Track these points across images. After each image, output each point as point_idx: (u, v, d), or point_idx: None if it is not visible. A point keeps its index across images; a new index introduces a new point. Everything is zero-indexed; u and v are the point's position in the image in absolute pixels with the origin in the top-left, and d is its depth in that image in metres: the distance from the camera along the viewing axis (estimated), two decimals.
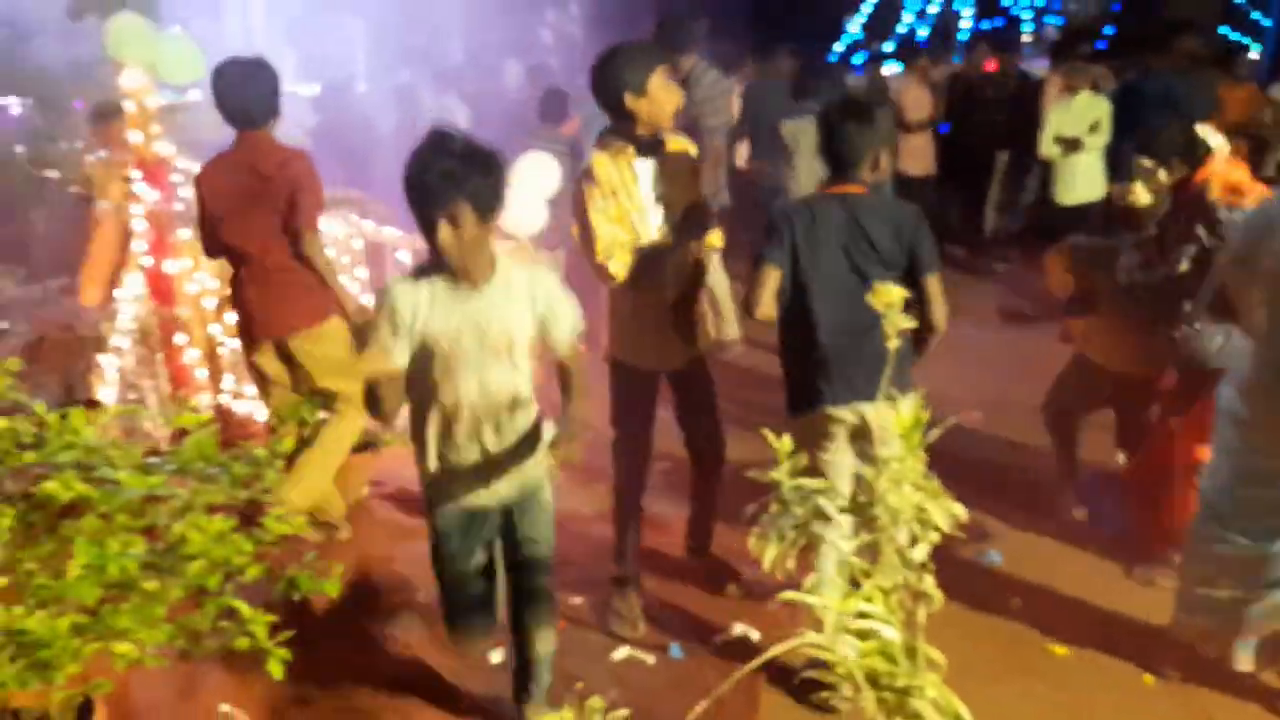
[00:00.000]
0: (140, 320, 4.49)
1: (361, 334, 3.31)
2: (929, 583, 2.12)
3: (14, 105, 9.18)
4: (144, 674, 2.12)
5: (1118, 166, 6.35)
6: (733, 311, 3.24)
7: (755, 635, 3.29)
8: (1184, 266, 3.48)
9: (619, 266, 3.02)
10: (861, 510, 2.13)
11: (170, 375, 4.60)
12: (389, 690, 3.03)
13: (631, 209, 3.04)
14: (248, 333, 3.75)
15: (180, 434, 3.99)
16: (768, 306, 2.92)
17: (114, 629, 1.81)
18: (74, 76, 7.08)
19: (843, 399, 2.93)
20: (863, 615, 1.97)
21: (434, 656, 3.21)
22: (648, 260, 3.05)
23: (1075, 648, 3.25)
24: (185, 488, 1.97)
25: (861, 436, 3.00)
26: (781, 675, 2.92)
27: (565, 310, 2.51)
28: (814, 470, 2.87)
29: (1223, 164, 3.58)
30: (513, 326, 2.42)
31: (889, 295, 2.22)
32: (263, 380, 3.78)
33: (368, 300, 5.03)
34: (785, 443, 2.29)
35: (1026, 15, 13.91)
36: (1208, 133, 3.62)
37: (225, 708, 2.70)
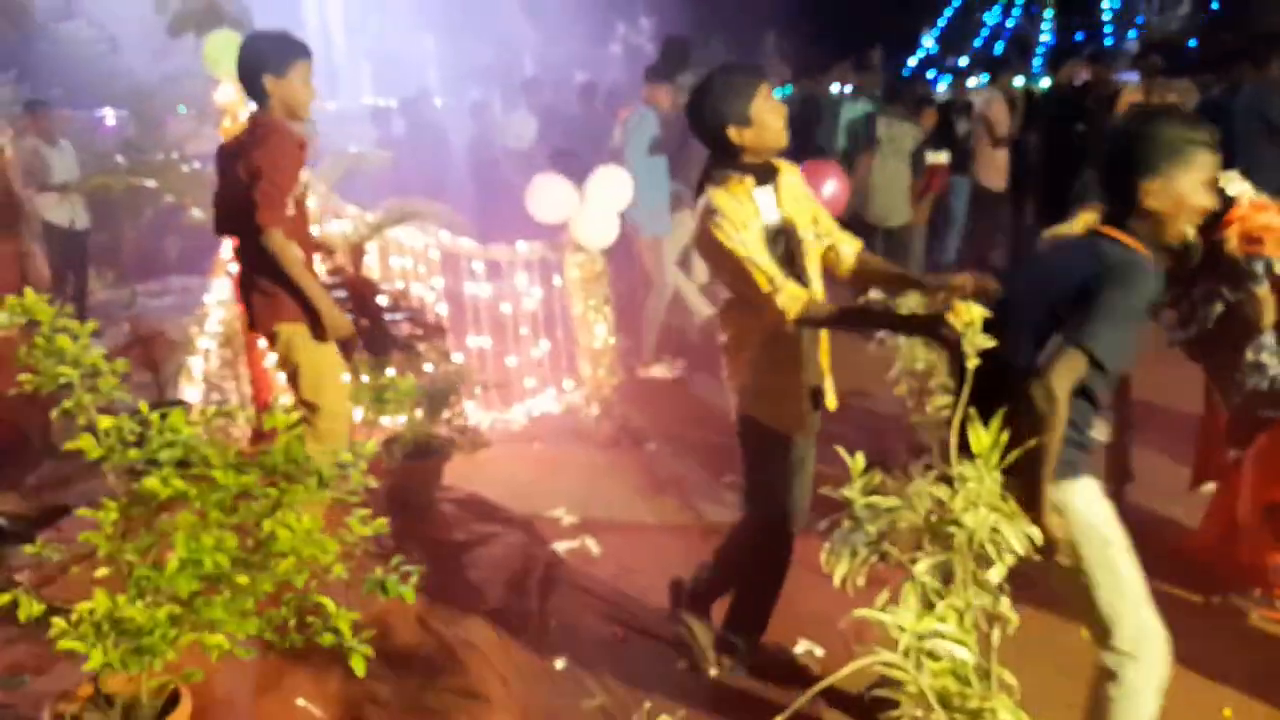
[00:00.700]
0: (225, 324, 4.66)
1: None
2: (1005, 605, 2.09)
3: (109, 116, 9.63)
4: (226, 665, 2.21)
5: None
6: None
7: (820, 652, 3.27)
8: (1210, 325, 3.47)
9: (793, 301, 2.62)
10: (936, 530, 2.11)
11: (251, 378, 4.76)
12: (458, 692, 3.09)
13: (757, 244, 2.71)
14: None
15: (259, 434, 4.15)
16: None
17: (207, 620, 1.89)
18: (167, 89, 7.42)
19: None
20: (936, 635, 1.96)
21: (502, 660, 3.26)
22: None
23: None
24: (275, 487, 2.04)
25: None
26: (846, 695, 2.90)
27: None
28: None
29: (1247, 210, 3.47)
30: None
31: (969, 314, 2.21)
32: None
33: (443, 310, 5.16)
34: (859, 460, 2.29)
35: (1108, 29, 13.60)
36: (1228, 180, 3.50)
37: (302, 702, 2.77)
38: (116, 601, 1.79)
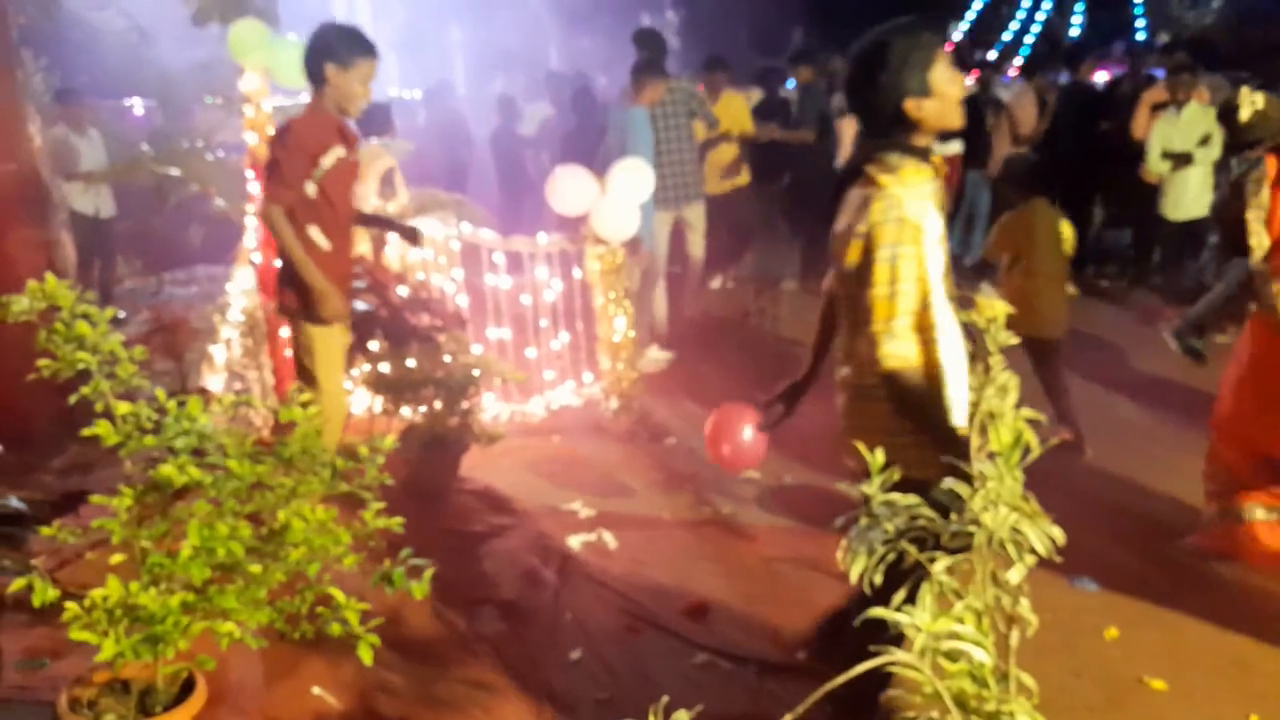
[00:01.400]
0: (248, 313, 4.69)
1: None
2: (1025, 606, 2.05)
3: (137, 105, 9.71)
4: (240, 653, 2.21)
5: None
6: None
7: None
8: None
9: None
10: (955, 529, 2.08)
11: (274, 367, 4.79)
12: (470, 682, 3.09)
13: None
14: None
15: (279, 424, 4.17)
16: None
17: (219, 608, 1.89)
18: (195, 78, 7.46)
19: None
20: (954, 636, 1.92)
21: (514, 651, 3.26)
22: None
23: (1174, 683, 3.10)
24: (290, 477, 2.05)
25: None
26: (859, 694, 2.87)
27: None
28: None
29: None
30: None
31: (992, 309, 2.17)
32: None
33: (464, 301, 5.16)
34: (878, 456, 2.26)
35: (1140, 24, 13.40)
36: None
37: (317, 690, 2.78)
38: (130, 588, 1.80)
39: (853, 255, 2.24)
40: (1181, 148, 6.55)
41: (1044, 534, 2.15)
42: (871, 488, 2.23)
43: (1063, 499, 2.58)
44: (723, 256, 7.73)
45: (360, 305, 4.24)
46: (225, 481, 1.96)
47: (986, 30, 13.69)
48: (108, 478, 3.91)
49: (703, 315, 7.17)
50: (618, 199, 4.93)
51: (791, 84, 8.19)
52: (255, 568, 1.94)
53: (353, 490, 2.10)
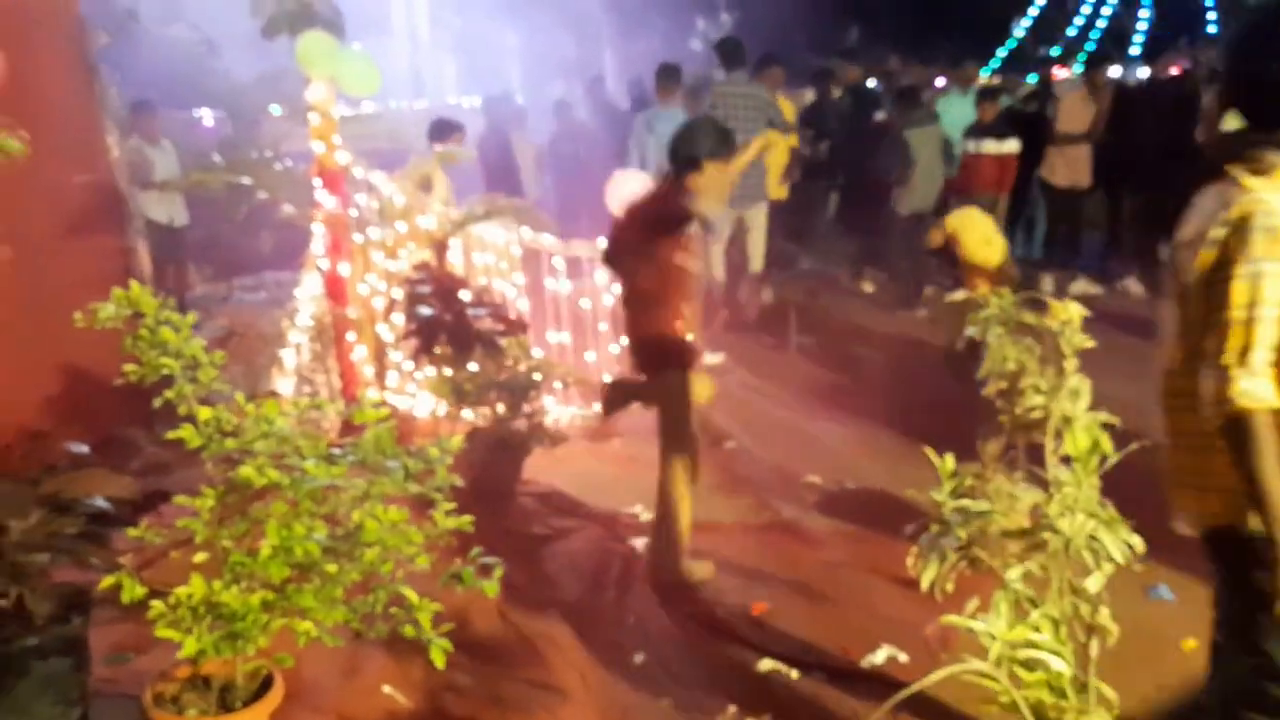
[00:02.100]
0: (316, 319, 4.79)
1: None
2: (1105, 615, 2.01)
3: (207, 116, 10.01)
4: (314, 651, 2.26)
5: None
6: None
7: (904, 658, 3.19)
8: None
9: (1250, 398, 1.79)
10: (1031, 536, 2.04)
11: (340, 371, 4.89)
12: (535, 683, 3.11)
13: None
14: None
15: (348, 426, 4.25)
16: None
17: (297, 607, 1.94)
18: (262, 88, 7.67)
19: None
20: (1030, 645, 1.89)
21: (579, 655, 3.27)
22: None
23: None
24: (363, 479, 2.09)
25: None
26: (931, 703, 2.83)
27: None
28: None
29: None
30: None
31: (1066, 312, 2.13)
32: None
33: (525, 305, 5.21)
34: (948, 463, 2.23)
35: (1212, 16, 12.99)
36: None
37: (387, 689, 2.83)
38: (212, 587, 1.85)
39: (1201, 268, 1.86)
40: None
41: (1122, 542, 2.11)
42: (941, 494, 2.21)
43: (1137, 504, 2.51)
44: (779, 259, 7.69)
45: (425, 310, 4.31)
46: (302, 483, 2.00)
47: (1050, 26, 13.39)
48: (185, 478, 4.01)
49: (760, 317, 7.15)
50: None
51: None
52: (331, 567, 1.98)
53: (424, 491, 2.14)
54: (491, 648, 3.25)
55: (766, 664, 3.16)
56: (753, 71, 6.88)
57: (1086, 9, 13.80)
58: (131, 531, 2.06)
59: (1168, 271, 2.01)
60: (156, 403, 2.09)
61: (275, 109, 7.95)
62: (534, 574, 3.82)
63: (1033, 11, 13.20)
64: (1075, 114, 7.46)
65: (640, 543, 3.94)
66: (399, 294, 4.76)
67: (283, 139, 7.58)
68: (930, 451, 2.14)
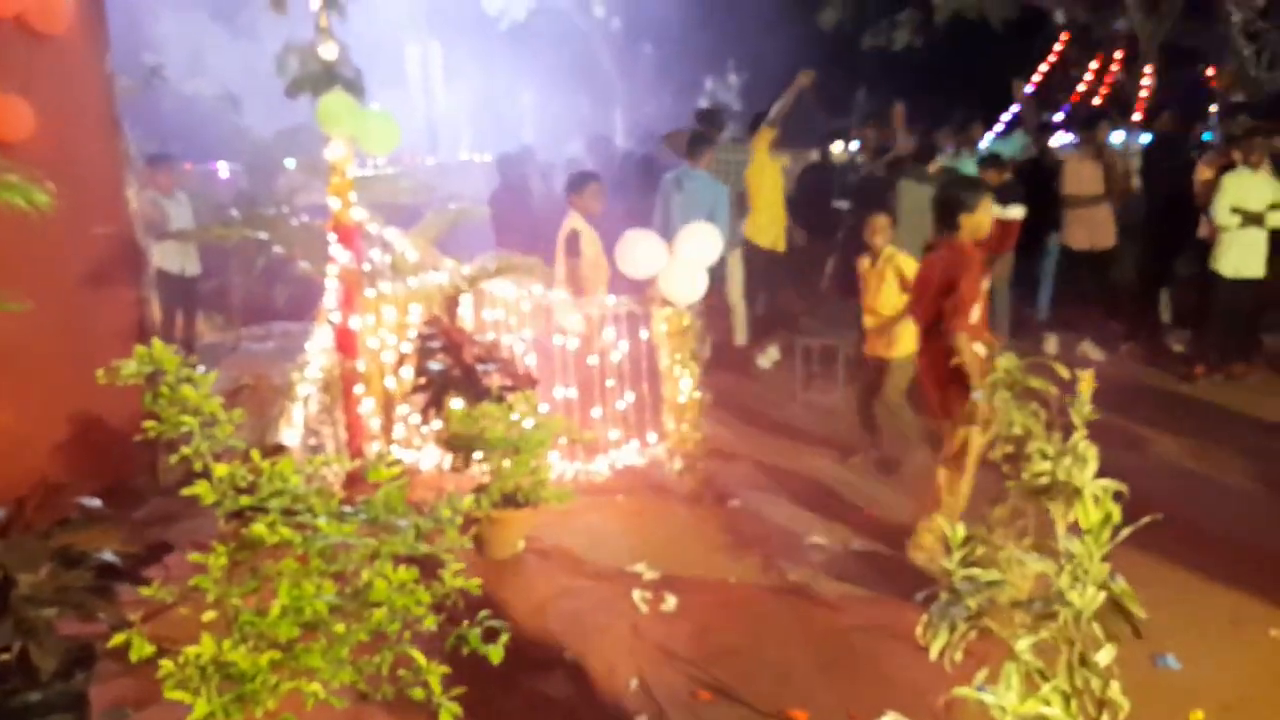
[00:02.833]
0: (325, 371, 4.82)
1: None
2: (1115, 690, 1.99)
3: (223, 169, 10.18)
4: (320, 713, 2.24)
5: None
6: None
7: None
8: None
9: None
10: (1041, 607, 2.03)
11: (346, 423, 4.91)
12: None
13: None
14: None
15: (352, 478, 4.26)
16: None
17: (305, 667, 1.94)
18: (281, 143, 7.81)
19: None
20: (1040, 719, 1.87)
21: (581, 715, 3.24)
22: None
23: None
24: (373, 537, 2.09)
25: None
26: None
27: None
28: None
29: None
30: None
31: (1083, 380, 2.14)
32: None
33: (533, 360, 5.25)
34: (959, 531, 2.23)
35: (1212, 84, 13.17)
36: None
37: None
38: (222, 646, 1.85)
39: None
40: (1256, 207, 6.45)
41: (1129, 615, 2.09)
42: (951, 563, 2.20)
43: (1144, 570, 2.49)
44: (778, 318, 7.75)
45: (435, 365, 4.34)
46: (313, 540, 2.01)
47: (1053, 90, 13.63)
48: (191, 529, 4.03)
49: (763, 377, 7.17)
50: (686, 262, 4.99)
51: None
52: (339, 626, 1.98)
53: (434, 551, 2.14)
54: (494, 706, 3.21)
55: None
56: (749, 131, 7.19)
57: (1089, 76, 14.07)
58: (144, 590, 2.06)
59: None
60: (173, 460, 2.11)
61: (289, 163, 8.09)
62: (538, 631, 3.79)
63: (1037, 77, 13.47)
64: (1082, 176, 7.54)
65: (643, 603, 3.91)
66: (409, 348, 4.80)
67: (298, 191, 7.70)
68: (942, 521, 2.14)
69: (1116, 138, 8.49)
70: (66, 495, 2.65)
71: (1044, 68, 14.21)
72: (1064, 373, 3.22)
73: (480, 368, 4.23)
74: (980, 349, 4.05)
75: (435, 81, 17.85)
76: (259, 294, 7.97)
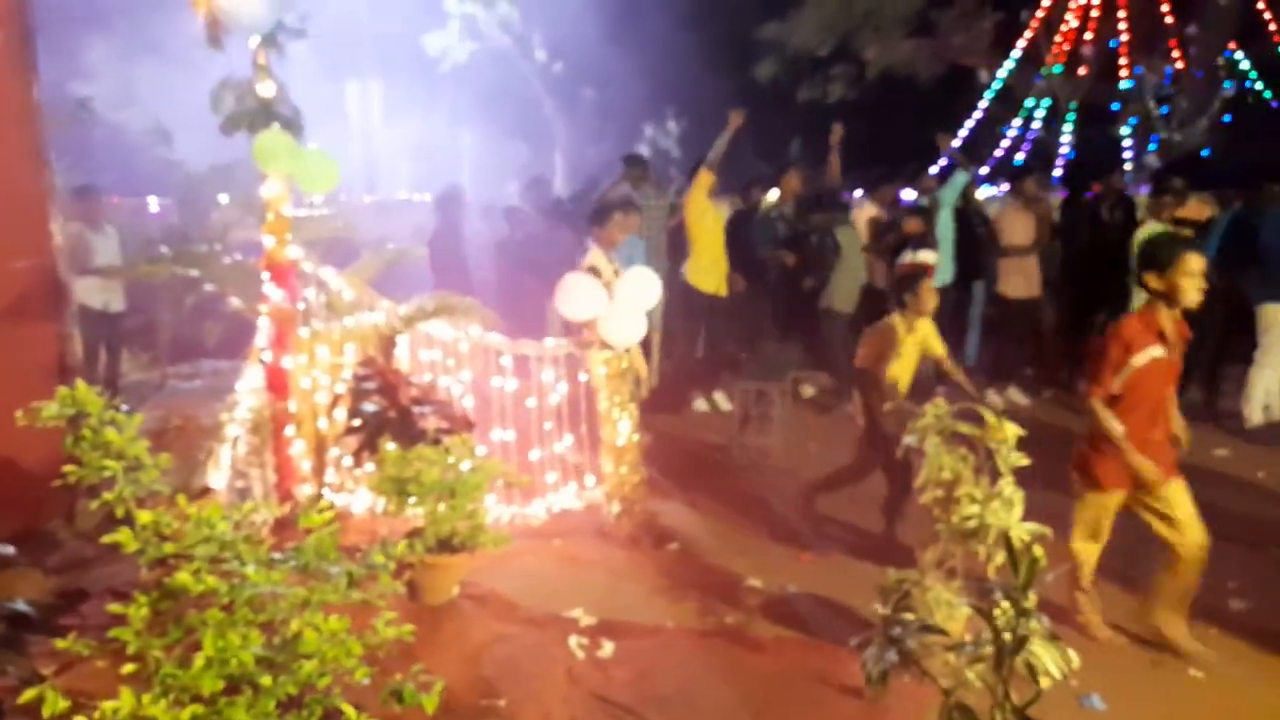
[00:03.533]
0: (255, 411, 4.71)
1: None
2: None
3: (153, 203, 9.95)
4: None
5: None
6: None
7: None
8: None
9: None
10: (972, 650, 2.07)
11: (276, 465, 4.79)
12: None
13: None
14: None
15: (280, 523, 4.15)
16: None
17: None
18: (215, 179, 7.67)
19: None
20: None
21: None
22: None
23: None
24: (304, 585, 2.04)
25: None
26: None
27: None
28: None
29: None
30: None
31: (1004, 432, 2.22)
32: None
33: (470, 403, 5.20)
34: (892, 576, 2.27)
35: (1127, 142, 13.87)
36: None
37: None
38: (141, 700, 1.78)
39: None
40: None
41: (1059, 656, 2.15)
42: (884, 607, 2.24)
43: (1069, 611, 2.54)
44: (720, 363, 7.83)
45: (369, 406, 4.28)
46: (240, 589, 1.95)
47: (979, 145, 14.17)
48: (107, 575, 3.86)
49: (701, 420, 7.22)
50: (625, 305, 5.03)
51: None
52: (266, 679, 1.92)
53: (367, 598, 2.10)
54: None
55: None
56: (690, 177, 7.37)
57: (1013, 132, 14.69)
58: (58, 642, 1.97)
59: None
60: (93, 505, 2.04)
61: (222, 198, 7.94)
62: (473, 680, 3.72)
63: (962, 133, 14.02)
64: (1017, 227, 7.81)
65: (579, 649, 3.87)
66: (343, 389, 4.73)
67: (232, 228, 7.56)
68: (874, 567, 2.18)
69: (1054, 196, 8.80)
70: None
71: (970, 123, 14.79)
72: (992, 419, 3.33)
73: (416, 410, 4.19)
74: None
75: (375, 121, 17.81)
76: (188, 332, 7.77)
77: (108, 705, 1.78)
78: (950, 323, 8.34)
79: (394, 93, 17.04)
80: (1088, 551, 3.94)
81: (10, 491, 4.13)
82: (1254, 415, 6.75)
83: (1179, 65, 13.13)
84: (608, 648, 3.91)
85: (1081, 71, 14.17)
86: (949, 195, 7.94)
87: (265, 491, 4.76)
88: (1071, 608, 3.97)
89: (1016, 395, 7.71)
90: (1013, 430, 2.18)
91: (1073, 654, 2.11)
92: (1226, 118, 13.07)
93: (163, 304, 7.24)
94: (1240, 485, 5.26)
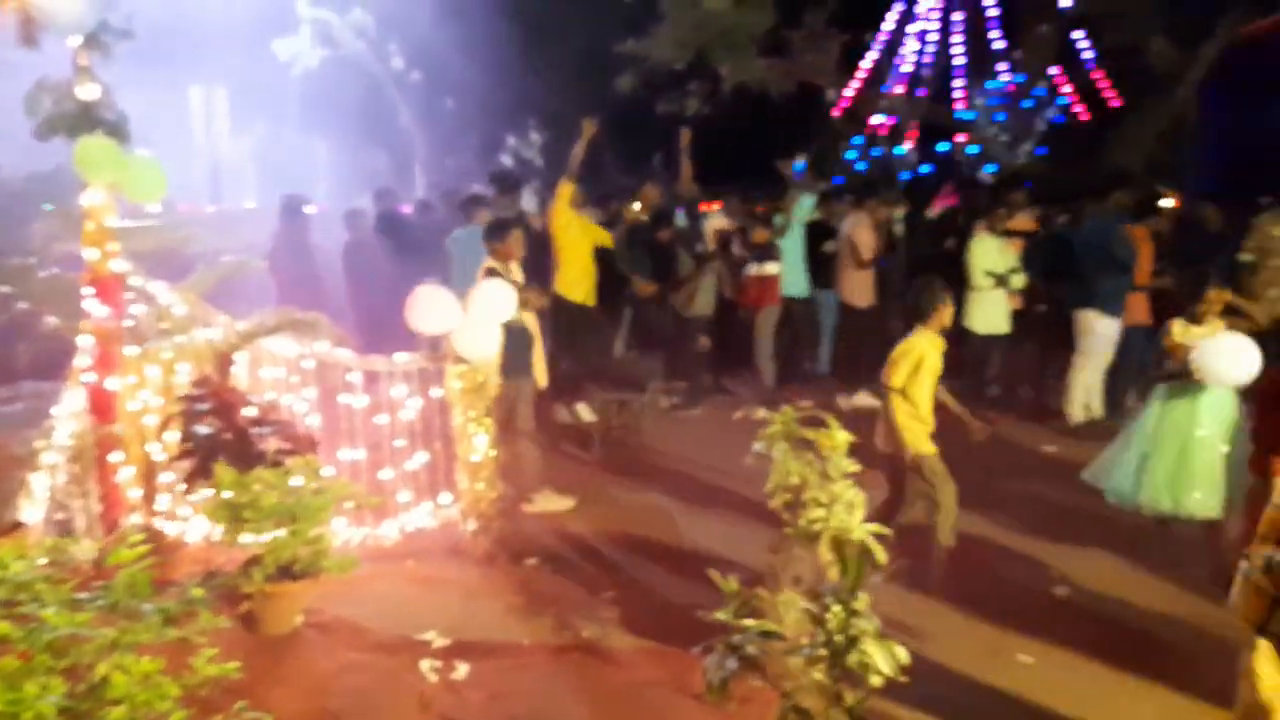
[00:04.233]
0: (77, 437, 4.39)
1: None
2: None
3: None
4: None
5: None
6: None
7: None
8: None
9: None
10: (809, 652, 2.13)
11: (101, 494, 4.47)
12: None
13: None
14: None
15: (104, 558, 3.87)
16: None
17: None
18: (33, 187, 7.11)
19: None
20: None
21: None
22: None
23: None
24: (114, 625, 1.90)
25: None
26: None
27: None
28: None
29: None
30: None
31: (832, 439, 2.30)
32: None
33: (315, 421, 5.00)
34: (730, 583, 2.31)
35: (964, 159, 14.73)
36: None
37: None
38: None
39: None
40: (1002, 270, 7.23)
41: (889, 654, 2.24)
42: (727, 614, 2.28)
43: (915, 605, 2.62)
44: (585, 374, 7.82)
45: (203, 428, 4.06)
46: (38, 634, 1.80)
47: (825, 161, 14.77)
48: None
49: (562, 432, 7.19)
50: (480, 318, 4.95)
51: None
52: None
53: (185, 635, 1.97)
54: None
55: None
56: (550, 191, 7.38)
57: (853, 149, 15.40)
58: None
59: None
60: None
61: (47, 206, 7.38)
62: (314, 714, 3.56)
63: (810, 151, 14.61)
64: (866, 240, 8.16)
65: (431, 673, 3.77)
66: (175, 410, 4.46)
67: (56, 240, 7.03)
68: (714, 573, 2.21)
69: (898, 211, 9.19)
70: None
71: (819, 140, 15.38)
72: (833, 423, 3.44)
73: (255, 430, 3.99)
74: None
75: (220, 127, 16.94)
76: (0, 353, 7.17)
77: None
78: (806, 333, 8.65)
79: (242, 99, 16.26)
80: None
81: None
82: (1076, 414, 7.25)
83: (1008, 89, 14.07)
84: (462, 670, 3.83)
85: (921, 92, 14.98)
86: (800, 214, 8.25)
87: (89, 523, 4.43)
88: None
89: (865, 399, 8.02)
90: (843, 437, 2.26)
91: (903, 651, 2.19)
92: (1040, 148, 14.07)
93: None
94: (1065, 479, 5.64)
